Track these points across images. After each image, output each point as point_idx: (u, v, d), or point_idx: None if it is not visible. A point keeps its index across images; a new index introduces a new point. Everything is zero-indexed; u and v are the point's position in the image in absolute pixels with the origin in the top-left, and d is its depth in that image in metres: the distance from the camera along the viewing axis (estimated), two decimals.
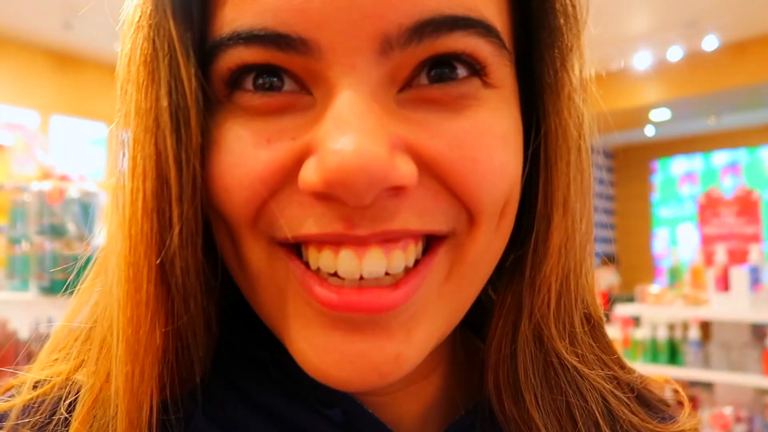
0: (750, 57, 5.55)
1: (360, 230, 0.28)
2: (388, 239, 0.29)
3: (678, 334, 3.10)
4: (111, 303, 0.31)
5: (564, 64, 0.33)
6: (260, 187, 0.29)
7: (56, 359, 0.36)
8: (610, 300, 6.47)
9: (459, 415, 0.38)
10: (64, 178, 1.74)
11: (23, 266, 1.78)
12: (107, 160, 0.32)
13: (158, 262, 0.29)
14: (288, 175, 0.29)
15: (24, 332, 1.66)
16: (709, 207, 3.21)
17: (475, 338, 0.41)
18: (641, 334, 3.20)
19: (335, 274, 0.29)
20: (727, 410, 2.83)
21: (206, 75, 0.30)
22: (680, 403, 0.43)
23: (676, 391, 0.45)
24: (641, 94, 6.29)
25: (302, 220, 0.29)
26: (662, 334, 3.11)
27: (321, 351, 0.29)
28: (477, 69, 0.30)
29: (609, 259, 7.35)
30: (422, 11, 0.28)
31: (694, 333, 3.03)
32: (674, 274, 3.28)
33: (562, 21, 0.33)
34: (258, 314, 0.33)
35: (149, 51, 0.29)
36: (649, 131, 7.80)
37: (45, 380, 0.35)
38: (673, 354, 3.10)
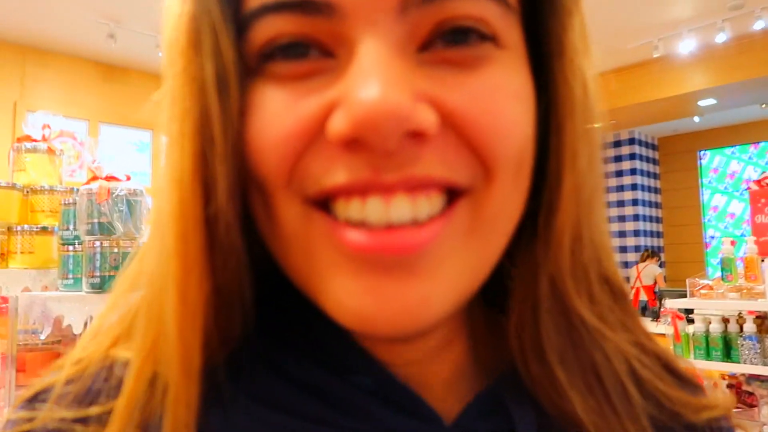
0: None
1: (386, 176, 0.30)
2: (413, 186, 0.30)
3: (732, 327, 2.98)
4: (162, 257, 0.33)
5: (565, 28, 0.35)
6: (292, 142, 0.31)
7: (95, 340, 0.38)
8: (657, 294, 6.26)
9: (485, 382, 0.38)
10: (110, 177, 1.80)
11: (75, 265, 1.85)
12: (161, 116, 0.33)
13: (204, 216, 0.31)
14: (317, 129, 0.30)
15: (77, 328, 1.72)
16: (763, 195, 3.08)
17: (495, 312, 0.42)
18: (693, 328, 3.09)
19: (363, 224, 0.31)
20: None
21: (241, 45, 0.32)
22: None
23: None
24: (687, 82, 6.08)
25: (332, 171, 0.30)
26: (716, 329, 3.00)
27: (354, 295, 0.30)
28: (487, 34, 0.32)
29: (652, 252, 7.14)
30: None
31: (749, 326, 2.90)
32: (726, 266, 3.15)
33: None
34: (290, 276, 0.34)
35: (193, 25, 0.32)
36: (696, 120, 7.54)
37: (84, 357, 0.37)
38: (728, 349, 2.98)
